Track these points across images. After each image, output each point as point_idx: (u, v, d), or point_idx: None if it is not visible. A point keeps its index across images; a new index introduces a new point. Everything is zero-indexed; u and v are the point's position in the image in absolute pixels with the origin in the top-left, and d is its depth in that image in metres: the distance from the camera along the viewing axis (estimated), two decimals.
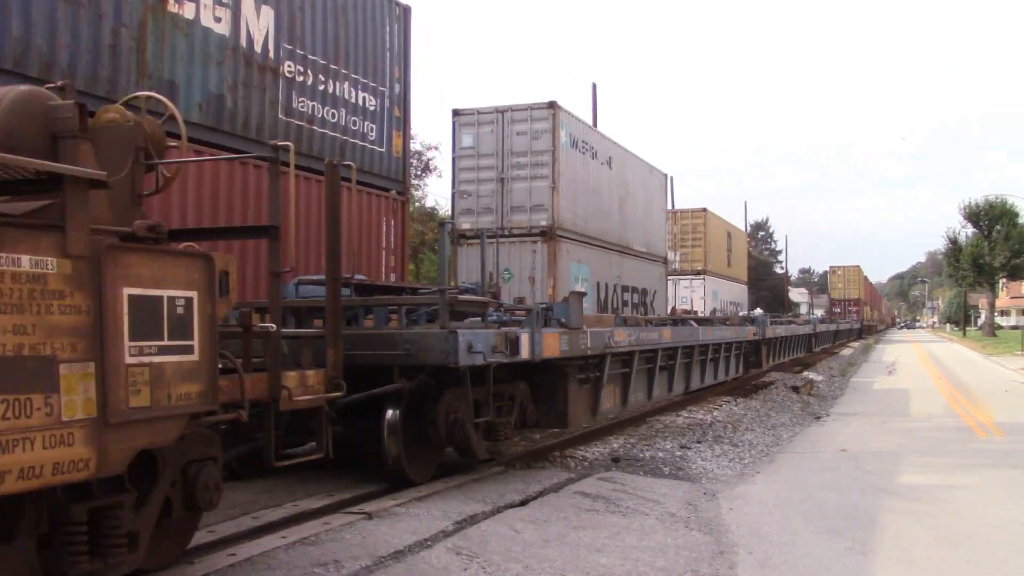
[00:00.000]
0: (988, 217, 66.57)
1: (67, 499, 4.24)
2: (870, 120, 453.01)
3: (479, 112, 16.61)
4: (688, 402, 17.24)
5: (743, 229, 42.76)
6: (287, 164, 6.07)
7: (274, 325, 5.70)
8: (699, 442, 12.91)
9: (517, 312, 9.81)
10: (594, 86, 35.58)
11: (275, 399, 5.66)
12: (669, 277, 25.68)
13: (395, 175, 13.03)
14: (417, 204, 43.55)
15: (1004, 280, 74.62)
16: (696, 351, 15.49)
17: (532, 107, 16.32)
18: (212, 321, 4.76)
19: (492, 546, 6.43)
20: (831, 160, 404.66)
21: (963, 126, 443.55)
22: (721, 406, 17.42)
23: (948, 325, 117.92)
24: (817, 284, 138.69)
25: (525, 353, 8.57)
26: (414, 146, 64.54)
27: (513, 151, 16.11)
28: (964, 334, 76.96)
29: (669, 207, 31.81)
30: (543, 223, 16.02)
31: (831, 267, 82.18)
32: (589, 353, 10.25)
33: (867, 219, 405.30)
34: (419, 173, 63.38)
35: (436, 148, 64.51)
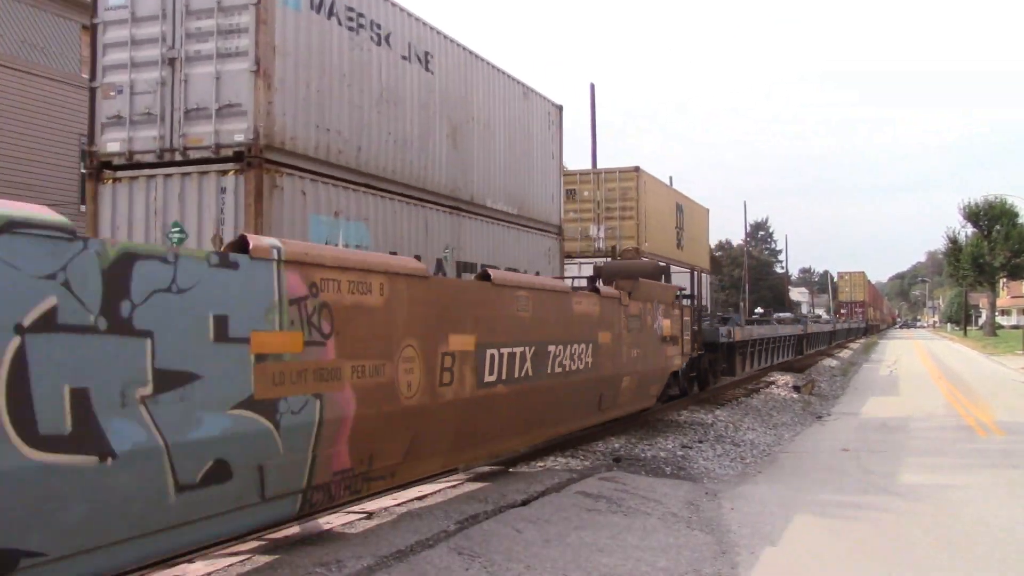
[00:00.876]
0: (988, 217, 66.60)
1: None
2: (871, 118, 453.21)
3: None
4: (689, 402, 17.25)
5: (708, 209, 31.92)
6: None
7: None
8: (700, 442, 12.92)
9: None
10: (592, 86, 35.60)
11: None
12: (581, 259, 20.47)
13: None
14: None
15: (1004, 280, 74.64)
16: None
17: None
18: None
19: (494, 546, 6.44)
20: (832, 160, 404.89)
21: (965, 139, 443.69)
22: (723, 405, 17.43)
23: (949, 325, 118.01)
24: (817, 284, 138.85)
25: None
26: None
27: (191, 9, 9.55)
28: (965, 333, 76.96)
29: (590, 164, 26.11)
30: (238, 137, 9.36)
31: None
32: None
33: (868, 219, 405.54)
34: None
35: None
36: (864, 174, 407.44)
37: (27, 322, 3.62)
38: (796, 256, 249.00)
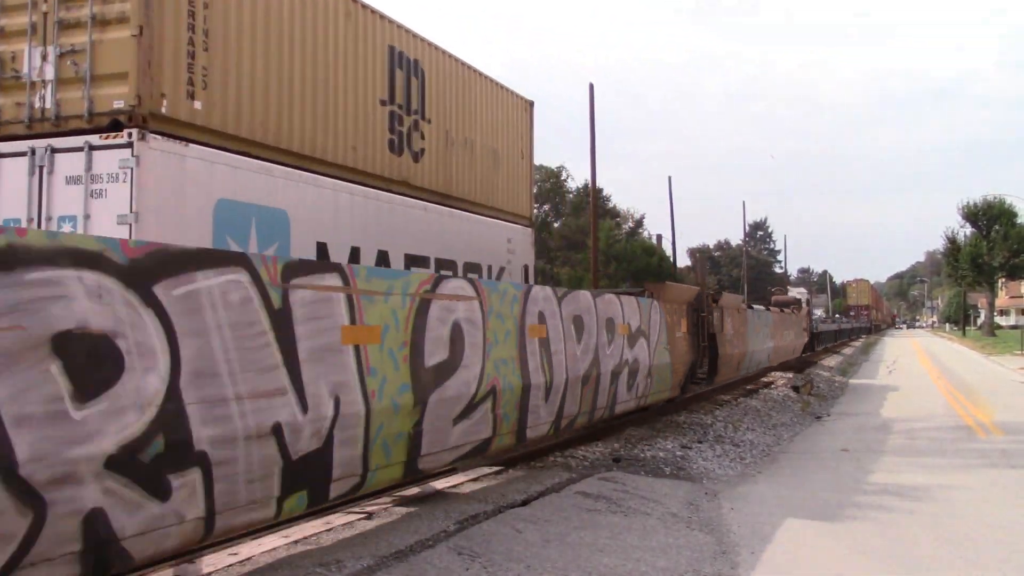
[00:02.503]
0: (986, 217, 66.65)
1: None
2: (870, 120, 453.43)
3: None
4: (690, 401, 17.25)
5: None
6: None
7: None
8: (700, 442, 12.91)
9: None
10: (591, 86, 35.58)
11: None
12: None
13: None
14: None
15: (1003, 280, 74.70)
16: None
17: None
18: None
19: (494, 546, 6.43)
20: (833, 161, 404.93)
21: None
22: (722, 406, 17.43)
23: (948, 325, 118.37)
24: (816, 284, 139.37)
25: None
26: None
27: None
28: (964, 333, 77.00)
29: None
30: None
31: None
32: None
33: (867, 219, 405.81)
34: None
35: None
36: (864, 174, 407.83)
37: None
38: (795, 256, 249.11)
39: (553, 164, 79.89)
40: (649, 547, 6.85)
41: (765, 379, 24.04)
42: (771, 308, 26.71)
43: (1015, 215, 65.10)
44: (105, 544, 4.02)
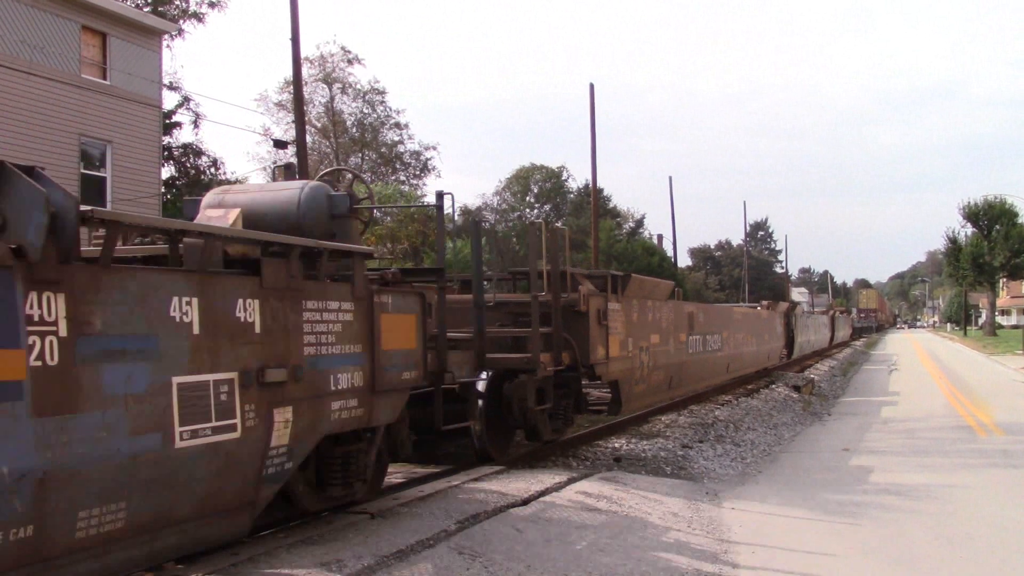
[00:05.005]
0: (987, 217, 66.63)
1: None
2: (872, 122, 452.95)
3: None
4: (691, 401, 17.24)
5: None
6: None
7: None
8: (701, 442, 12.91)
9: None
10: (592, 86, 35.61)
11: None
12: None
13: None
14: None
15: (1004, 279, 74.68)
16: None
17: None
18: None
19: (495, 545, 6.43)
20: (833, 161, 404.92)
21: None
22: (723, 406, 17.42)
23: (949, 324, 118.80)
24: (817, 284, 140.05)
25: None
26: (411, 146, 64.86)
27: None
28: (965, 333, 76.97)
29: None
30: None
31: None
32: None
33: (868, 219, 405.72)
34: (418, 173, 63.77)
35: (435, 148, 64.88)
36: (864, 174, 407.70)
37: None
38: (796, 256, 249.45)
39: (554, 164, 80.00)
40: (650, 547, 6.85)
41: (766, 379, 24.03)
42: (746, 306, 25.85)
43: (1016, 215, 65.10)
44: None
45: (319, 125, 59.20)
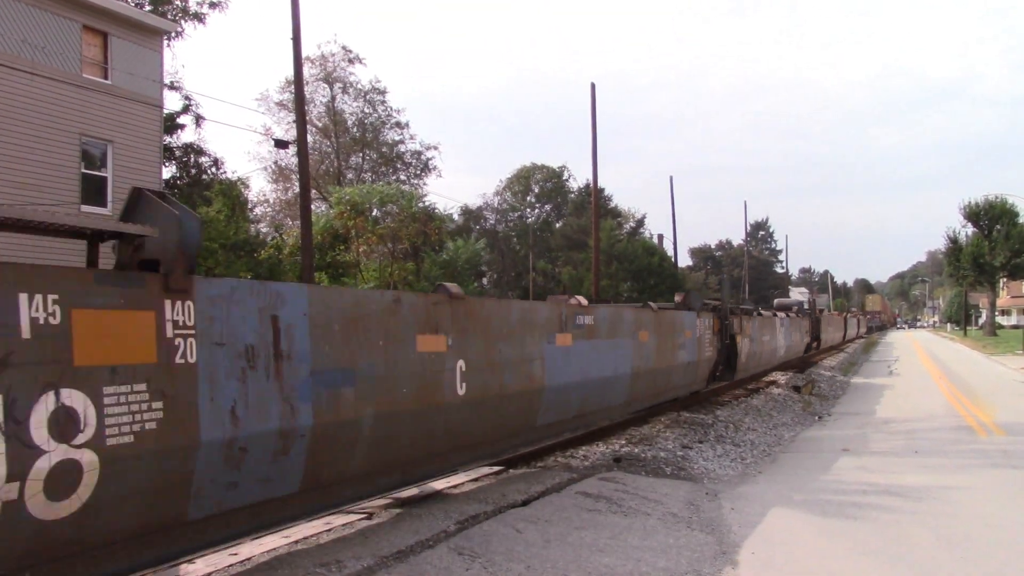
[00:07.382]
0: (988, 216, 66.64)
1: None
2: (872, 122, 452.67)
3: None
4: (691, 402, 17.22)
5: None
6: None
7: None
8: (701, 442, 12.91)
9: None
10: (592, 86, 35.61)
11: None
12: None
13: None
14: (421, 204, 43.56)
15: (1004, 279, 74.68)
16: None
17: None
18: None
19: (494, 546, 6.43)
20: (834, 161, 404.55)
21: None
22: (723, 405, 17.41)
23: (949, 324, 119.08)
24: (817, 283, 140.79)
25: None
26: (412, 145, 64.87)
27: None
28: (965, 333, 76.94)
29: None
30: None
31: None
32: None
33: (868, 219, 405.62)
34: (418, 173, 63.78)
35: (436, 148, 64.90)
36: (864, 174, 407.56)
37: None
38: (796, 256, 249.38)
39: (555, 164, 79.92)
40: (650, 547, 6.85)
41: (766, 379, 24.02)
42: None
43: (1017, 215, 65.12)
44: None
45: (320, 125, 59.20)
